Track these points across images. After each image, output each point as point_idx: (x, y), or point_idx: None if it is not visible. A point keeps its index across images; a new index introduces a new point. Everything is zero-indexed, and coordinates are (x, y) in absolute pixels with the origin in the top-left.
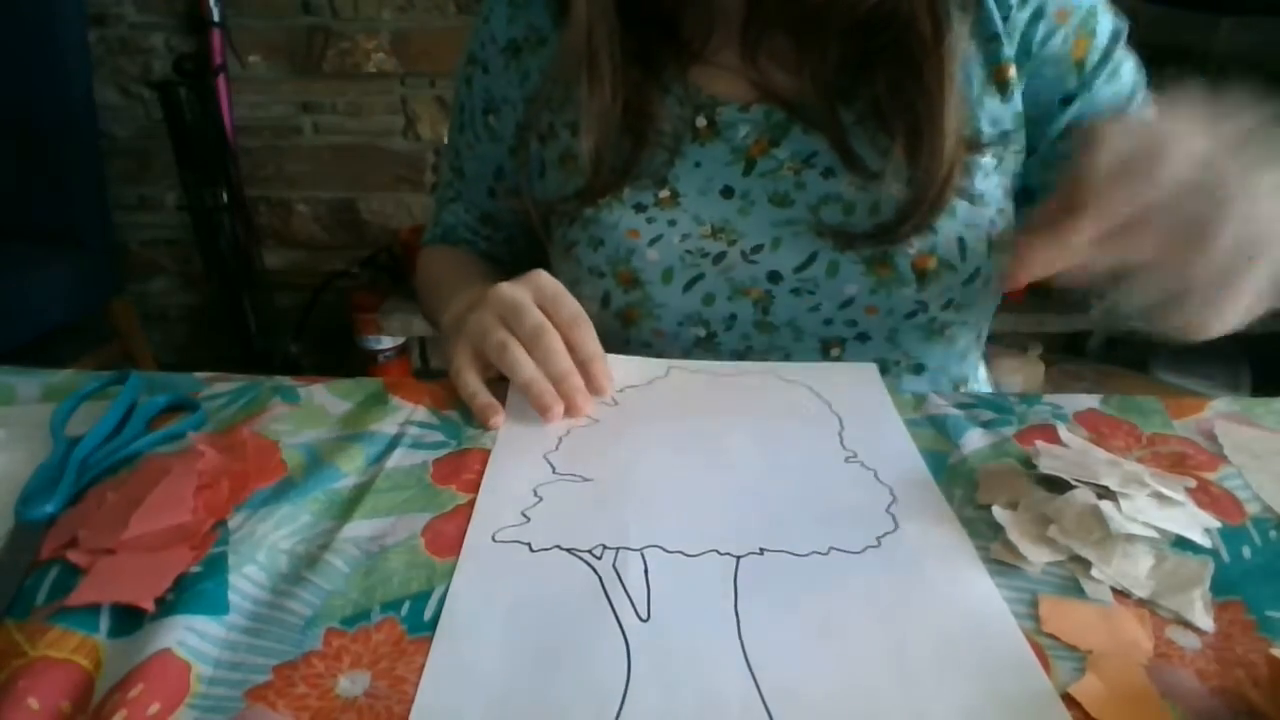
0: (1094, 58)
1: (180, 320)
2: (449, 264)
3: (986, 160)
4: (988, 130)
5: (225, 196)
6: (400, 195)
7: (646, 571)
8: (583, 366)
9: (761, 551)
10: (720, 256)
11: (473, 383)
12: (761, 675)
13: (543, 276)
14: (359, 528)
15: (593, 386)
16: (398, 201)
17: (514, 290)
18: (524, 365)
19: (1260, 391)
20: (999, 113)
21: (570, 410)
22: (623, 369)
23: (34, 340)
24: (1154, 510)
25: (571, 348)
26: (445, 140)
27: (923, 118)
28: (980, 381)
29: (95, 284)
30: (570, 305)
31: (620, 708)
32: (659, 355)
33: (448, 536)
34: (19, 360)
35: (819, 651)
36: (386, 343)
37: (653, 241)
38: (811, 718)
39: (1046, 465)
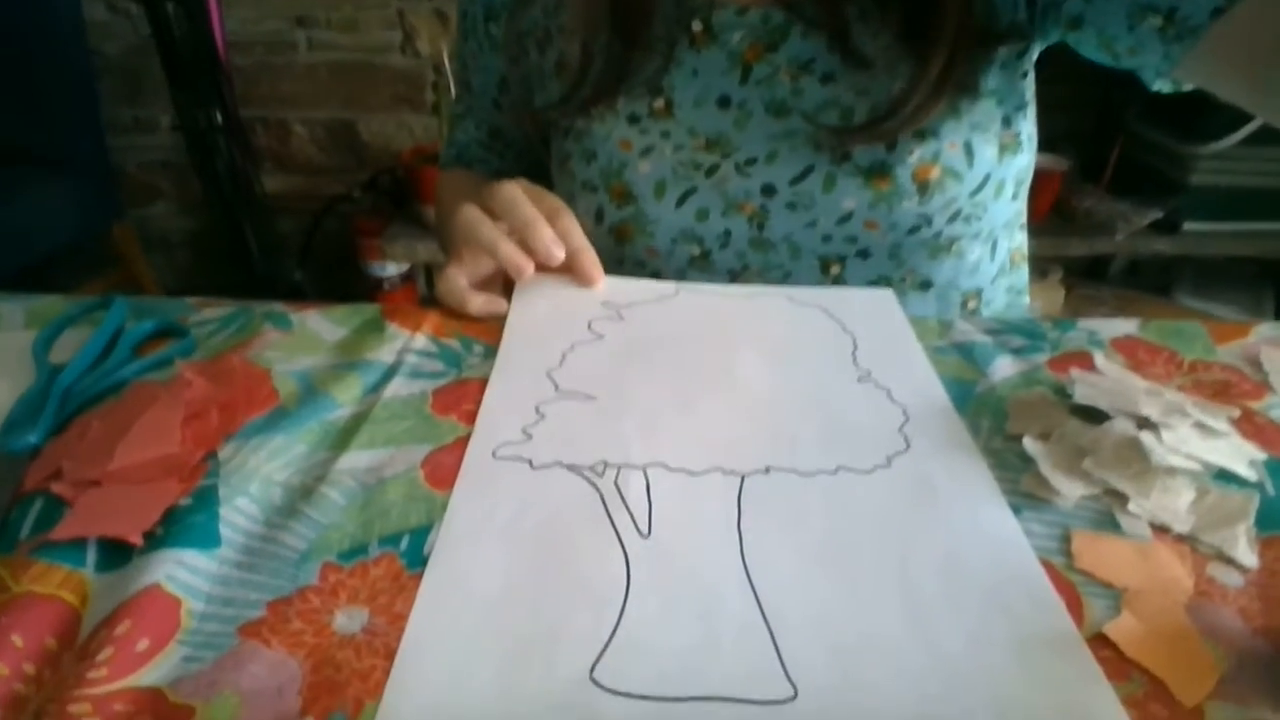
0: None
1: (182, 246)
2: (456, 194)
3: (1005, 51)
4: (1012, 14)
5: (219, 117)
6: (400, 116)
7: (648, 489)
8: (570, 258)
9: (767, 470)
10: (713, 169)
11: (453, 277)
12: (764, 594)
13: (524, 180)
14: (356, 459)
15: (583, 278)
16: (398, 122)
17: (495, 184)
18: (488, 229)
19: None
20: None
21: (542, 260)
22: (629, 287)
23: (36, 266)
24: (1197, 442)
25: (559, 238)
26: (445, 55)
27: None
28: (1001, 293)
29: (95, 208)
30: (552, 198)
31: (617, 623)
32: (654, 274)
33: (448, 469)
34: (22, 287)
35: (823, 572)
36: (391, 269)
37: (644, 153)
38: (813, 638)
39: (1082, 394)
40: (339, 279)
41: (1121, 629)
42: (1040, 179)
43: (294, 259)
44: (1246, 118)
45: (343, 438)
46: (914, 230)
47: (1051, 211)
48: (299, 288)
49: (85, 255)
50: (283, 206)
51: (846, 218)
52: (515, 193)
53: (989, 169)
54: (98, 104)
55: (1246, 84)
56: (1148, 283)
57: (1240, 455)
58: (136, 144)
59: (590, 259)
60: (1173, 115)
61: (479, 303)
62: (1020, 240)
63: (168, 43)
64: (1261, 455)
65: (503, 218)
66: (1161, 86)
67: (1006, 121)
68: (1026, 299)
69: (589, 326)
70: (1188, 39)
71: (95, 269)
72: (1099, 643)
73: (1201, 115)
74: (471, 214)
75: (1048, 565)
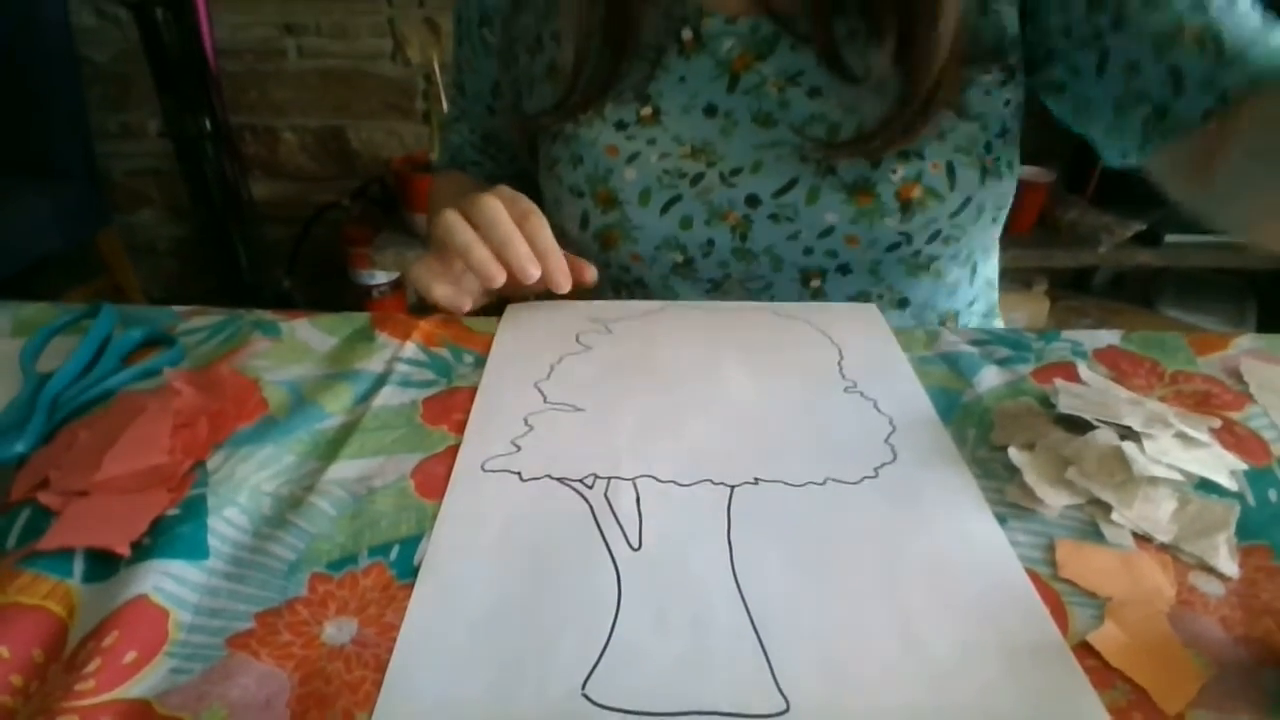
0: None
1: (169, 254)
2: (447, 195)
3: (988, 78)
4: (997, 42)
5: (208, 124)
6: (390, 123)
7: (638, 501)
8: (539, 260)
9: (756, 481)
10: (698, 178)
11: (427, 263)
12: (754, 606)
13: (504, 186)
14: (345, 468)
15: (550, 282)
16: (388, 130)
17: (476, 193)
18: (462, 233)
19: (1266, 327)
20: (1013, 21)
21: (516, 275)
22: (616, 306)
23: (22, 273)
24: (1179, 451)
25: (527, 240)
26: (436, 64)
27: (916, 18)
28: (976, 318)
29: (81, 215)
30: (524, 202)
31: (609, 636)
32: (637, 280)
33: (439, 478)
34: (6, 295)
35: (813, 583)
36: (380, 277)
37: (630, 159)
38: (804, 650)
39: (1066, 404)
40: (327, 287)
41: (1105, 638)
42: (1025, 190)
43: (282, 267)
44: None
45: (332, 447)
46: (894, 247)
47: (1036, 223)
48: (287, 296)
49: (70, 262)
50: (271, 214)
51: (828, 232)
52: (495, 207)
53: (970, 192)
54: (85, 110)
55: (1203, 187)
56: (1132, 294)
57: (1221, 465)
58: (124, 151)
59: (557, 263)
60: None
61: (443, 291)
62: (993, 264)
63: (157, 49)
64: (1242, 465)
65: (481, 231)
66: (1116, 164)
67: (988, 147)
68: (998, 321)
69: (577, 339)
70: (1171, 136)
71: (80, 276)
72: (1083, 651)
73: None
74: (451, 219)
75: (1033, 574)
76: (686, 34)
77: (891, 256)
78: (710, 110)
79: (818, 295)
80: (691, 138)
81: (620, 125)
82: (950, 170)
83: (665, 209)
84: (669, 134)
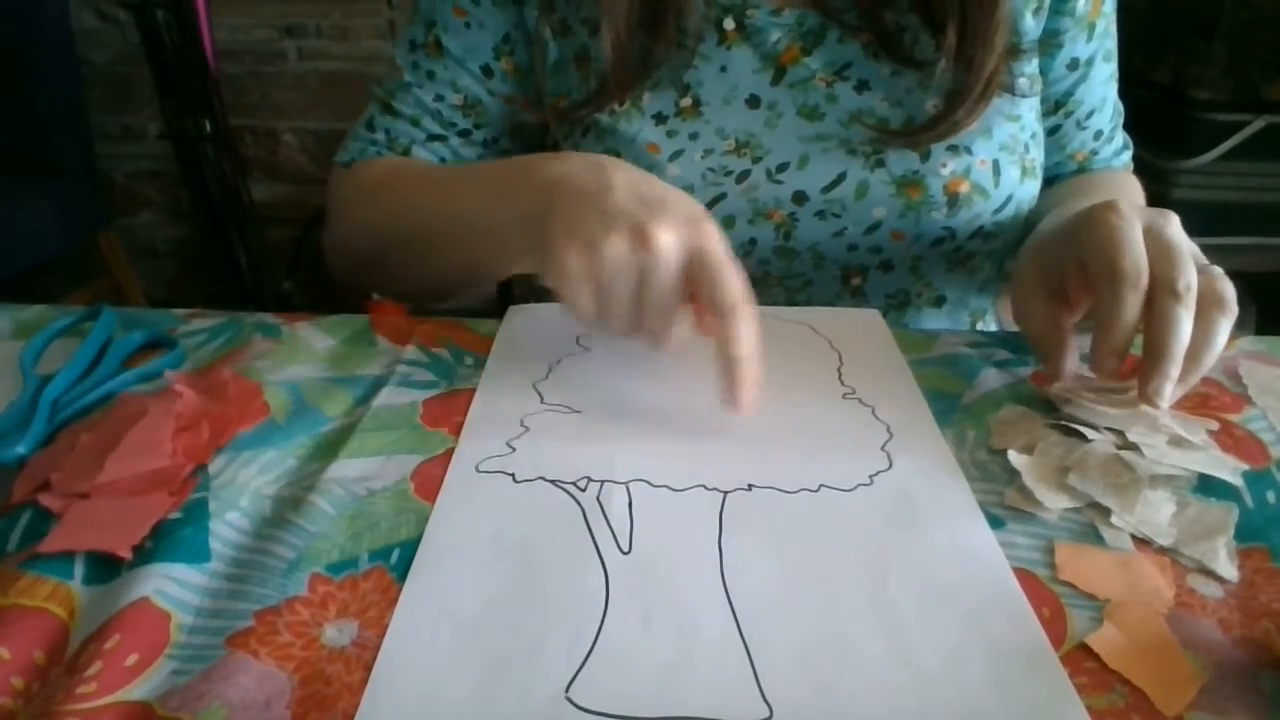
0: (1101, 25)
1: (169, 256)
2: (430, 180)
3: (1022, 80)
4: (1029, 40)
5: (208, 126)
6: None
7: (630, 505)
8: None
9: (750, 487)
10: (744, 175)
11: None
12: (741, 612)
13: (697, 228)
14: (345, 468)
15: (728, 392)
16: None
17: (663, 237)
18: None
19: (1265, 330)
20: (1032, 32)
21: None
22: None
23: (22, 275)
24: (1176, 455)
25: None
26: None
27: (975, 6)
28: (997, 314)
29: (81, 217)
30: (728, 289)
31: (595, 639)
32: None
33: (438, 480)
34: (8, 295)
35: (802, 590)
36: None
37: (673, 157)
38: (790, 657)
39: (1063, 407)
40: (328, 289)
41: (1103, 640)
42: None
43: (283, 269)
44: (1227, 133)
45: (332, 448)
46: (937, 243)
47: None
48: (287, 298)
49: (71, 264)
50: (271, 216)
51: (874, 227)
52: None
53: (1012, 190)
54: (86, 112)
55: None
56: None
57: (1219, 468)
58: (123, 153)
59: (747, 373)
60: (1154, 130)
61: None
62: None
63: (157, 51)
64: (1242, 466)
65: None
66: None
67: (1026, 147)
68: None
69: (577, 341)
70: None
71: (81, 278)
72: (1082, 653)
73: (1183, 130)
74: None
75: (1032, 577)
76: (729, 24)
77: (934, 252)
78: (753, 102)
79: (857, 293)
80: (735, 130)
81: (660, 118)
82: (996, 168)
83: (707, 208)
84: (711, 126)
